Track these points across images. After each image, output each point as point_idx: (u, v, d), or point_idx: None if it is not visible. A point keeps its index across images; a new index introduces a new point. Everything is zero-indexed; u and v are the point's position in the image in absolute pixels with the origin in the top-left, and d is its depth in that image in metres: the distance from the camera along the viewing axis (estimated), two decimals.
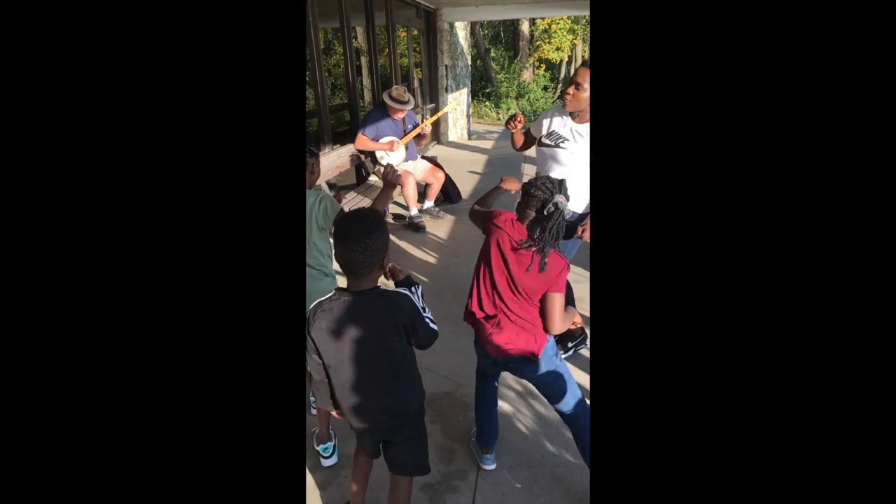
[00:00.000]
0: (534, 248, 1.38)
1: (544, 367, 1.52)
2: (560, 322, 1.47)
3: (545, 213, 1.38)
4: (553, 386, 1.55)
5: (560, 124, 2.06)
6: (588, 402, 1.60)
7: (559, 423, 1.94)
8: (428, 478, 1.70)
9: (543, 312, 1.46)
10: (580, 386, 1.58)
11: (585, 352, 2.39)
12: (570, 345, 2.37)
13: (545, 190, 1.40)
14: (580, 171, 2.03)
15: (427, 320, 1.26)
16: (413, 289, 1.29)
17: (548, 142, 2.07)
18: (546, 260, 1.37)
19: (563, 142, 2.02)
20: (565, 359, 2.33)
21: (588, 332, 2.44)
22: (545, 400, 2.06)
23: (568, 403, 1.55)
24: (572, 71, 14.89)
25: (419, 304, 1.26)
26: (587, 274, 3.20)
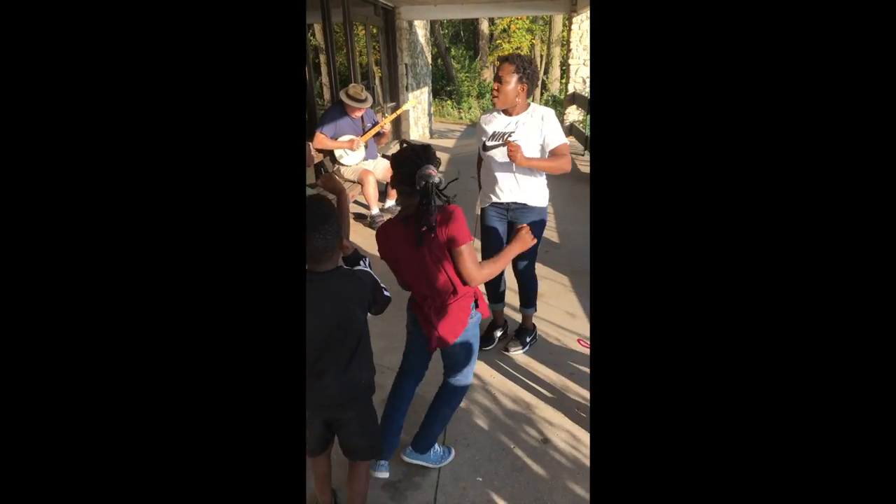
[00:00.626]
0: (424, 229, 1.36)
1: (464, 338, 1.59)
2: (475, 270, 1.42)
3: (417, 188, 1.34)
4: (460, 356, 1.62)
5: (500, 124, 2.12)
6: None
7: (518, 415, 1.98)
8: (389, 476, 1.70)
9: (457, 272, 1.43)
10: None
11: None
12: (527, 339, 2.41)
13: (409, 163, 1.35)
14: (532, 156, 2.08)
15: (382, 288, 1.37)
16: (362, 262, 1.38)
17: (494, 142, 2.12)
18: (433, 232, 1.36)
19: (509, 136, 2.08)
20: (524, 353, 2.38)
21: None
22: (503, 394, 2.10)
23: (465, 377, 1.66)
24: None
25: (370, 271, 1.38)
26: (543, 270, 3.26)
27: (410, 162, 1.35)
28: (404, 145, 1.41)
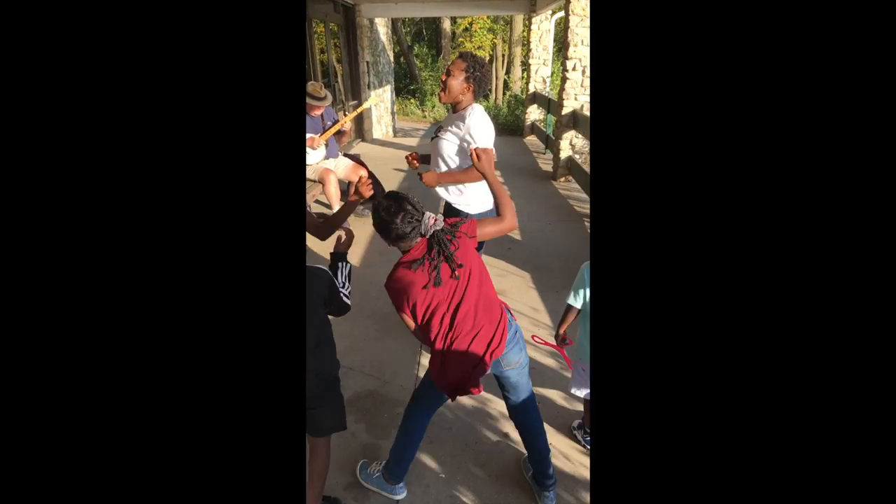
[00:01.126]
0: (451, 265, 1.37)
1: (519, 352, 1.48)
2: (503, 218, 1.52)
3: (425, 236, 1.36)
4: (521, 378, 1.53)
5: (446, 119, 2.17)
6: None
7: (480, 412, 2.00)
8: (353, 478, 1.69)
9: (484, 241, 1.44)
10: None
11: None
12: None
13: (407, 221, 1.33)
14: (452, 157, 2.08)
15: (342, 295, 1.43)
16: (341, 264, 1.47)
17: (434, 135, 2.18)
18: (457, 260, 1.37)
19: (441, 132, 2.12)
20: None
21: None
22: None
23: (528, 399, 1.57)
24: (495, 69, 15.29)
25: (340, 278, 1.44)
26: (506, 266, 3.31)
27: (407, 221, 1.33)
28: (380, 206, 1.36)
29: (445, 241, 1.36)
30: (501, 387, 1.55)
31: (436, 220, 1.36)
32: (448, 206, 2.19)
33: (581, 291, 1.65)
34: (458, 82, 2.01)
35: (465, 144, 2.02)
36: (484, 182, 2.11)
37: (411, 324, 1.43)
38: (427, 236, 1.36)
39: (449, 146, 2.08)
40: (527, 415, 1.58)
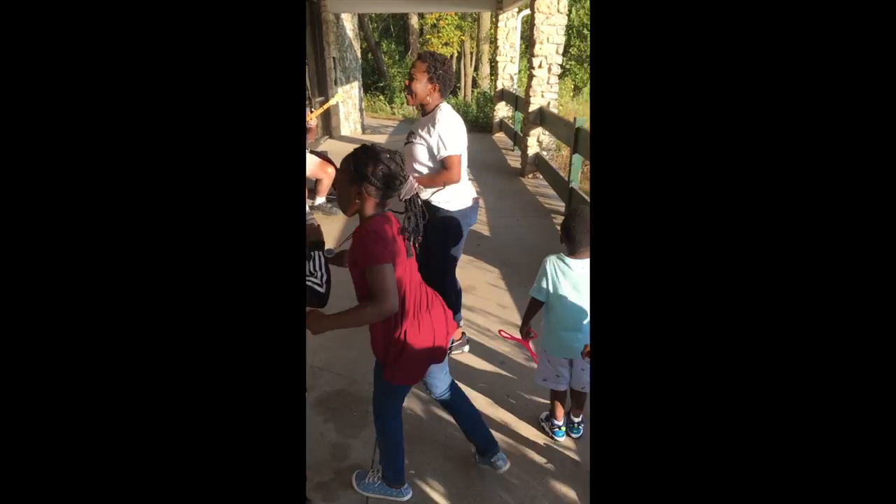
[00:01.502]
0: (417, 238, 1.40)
1: None
2: None
3: (400, 199, 1.35)
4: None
5: (417, 124, 2.16)
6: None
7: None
8: (321, 476, 1.68)
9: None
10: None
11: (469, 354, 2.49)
12: (455, 343, 2.44)
13: (396, 171, 1.30)
14: (425, 162, 2.09)
15: (310, 283, 1.41)
16: (312, 254, 1.44)
17: (407, 140, 2.17)
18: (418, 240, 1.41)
19: (413, 137, 2.12)
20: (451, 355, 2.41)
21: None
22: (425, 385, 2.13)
23: (450, 386, 1.62)
24: (463, 66, 15.31)
25: (310, 267, 1.42)
26: (474, 262, 3.33)
27: (397, 170, 1.31)
28: (373, 147, 1.32)
29: (423, 208, 1.38)
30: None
31: (418, 186, 1.39)
32: (426, 203, 2.19)
33: (544, 285, 1.69)
34: (422, 85, 2.00)
35: (436, 150, 2.02)
36: (464, 181, 2.14)
37: (391, 283, 1.26)
38: (405, 199, 1.36)
39: (422, 151, 2.07)
40: (452, 387, 1.62)
